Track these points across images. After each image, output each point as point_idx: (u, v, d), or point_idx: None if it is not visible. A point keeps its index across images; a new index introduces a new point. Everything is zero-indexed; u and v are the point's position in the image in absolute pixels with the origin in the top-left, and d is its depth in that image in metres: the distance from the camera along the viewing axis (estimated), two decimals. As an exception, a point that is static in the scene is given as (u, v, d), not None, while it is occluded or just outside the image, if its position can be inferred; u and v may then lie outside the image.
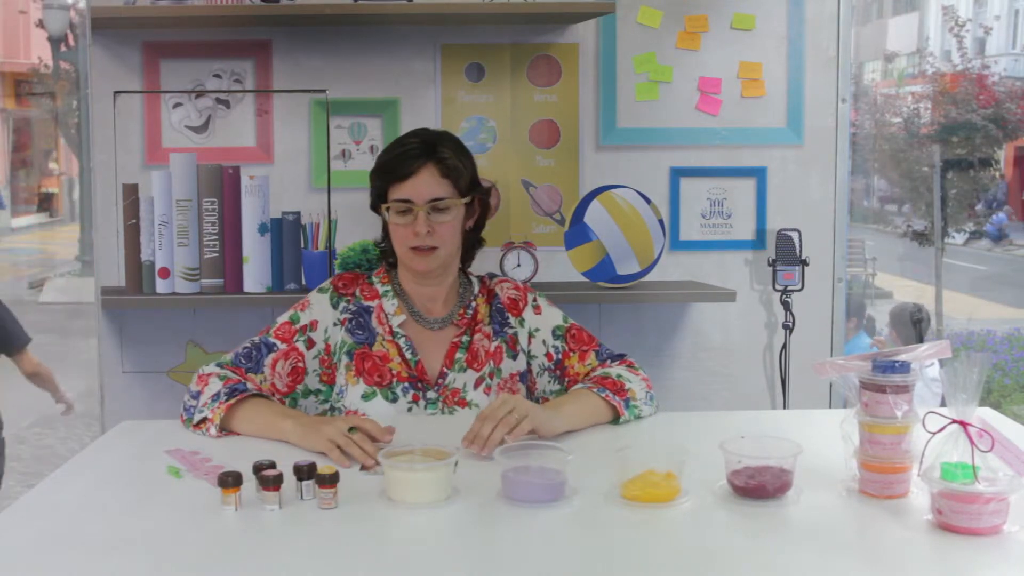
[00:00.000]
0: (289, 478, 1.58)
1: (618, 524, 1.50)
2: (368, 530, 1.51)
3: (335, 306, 2.16)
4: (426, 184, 2.07)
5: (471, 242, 2.22)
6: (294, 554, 1.41)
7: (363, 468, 1.74)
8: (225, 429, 1.95)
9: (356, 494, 1.60)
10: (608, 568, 1.36)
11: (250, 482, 1.57)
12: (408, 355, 2.12)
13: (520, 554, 1.42)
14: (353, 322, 2.15)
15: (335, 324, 2.15)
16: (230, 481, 1.55)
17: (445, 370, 2.13)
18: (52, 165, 19.55)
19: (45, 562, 1.39)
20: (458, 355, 2.14)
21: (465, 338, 2.16)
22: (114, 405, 2.82)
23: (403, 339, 2.13)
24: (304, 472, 1.58)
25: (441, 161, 2.08)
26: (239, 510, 1.54)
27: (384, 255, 2.24)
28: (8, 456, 3.88)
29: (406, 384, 2.10)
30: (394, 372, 2.11)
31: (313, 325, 2.14)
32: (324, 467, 1.58)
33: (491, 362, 2.15)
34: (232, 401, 1.95)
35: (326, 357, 2.14)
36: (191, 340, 2.84)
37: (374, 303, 2.17)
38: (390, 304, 2.16)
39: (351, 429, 1.81)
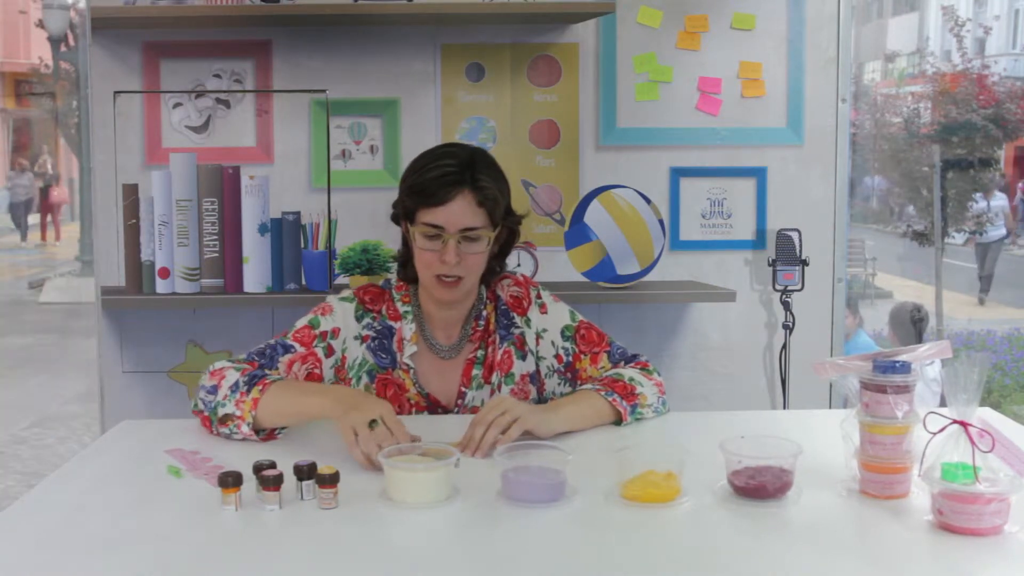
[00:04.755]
0: (289, 478, 1.57)
1: (618, 524, 1.50)
2: (368, 530, 1.51)
3: (359, 319, 2.08)
4: (460, 212, 1.95)
5: (492, 266, 2.10)
6: (294, 554, 1.41)
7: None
8: (261, 431, 1.86)
9: (356, 494, 1.59)
10: (608, 568, 1.36)
11: (250, 482, 1.57)
12: (420, 387, 2.08)
13: (520, 554, 1.42)
14: (376, 342, 2.08)
15: (356, 338, 2.07)
16: (230, 481, 1.54)
17: (463, 389, 2.09)
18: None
19: (45, 562, 1.39)
20: (475, 371, 2.10)
21: (480, 352, 2.11)
22: (114, 405, 2.82)
23: (413, 371, 2.08)
24: (304, 472, 1.58)
25: (479, 188, 1.95)
26: (239, 510, 1.54)
27: (403, 267, 2.11)
28: (8, 456, 3.89)
29: (425, 414, 2.07)
30: (412, 402, 2.08)
31: (335, 332, 2.05)
32: (324, 467, 1.57)
33: (499, 371, 2.11)
34: (257, 396, 1.84)
35: (341, 368, 2.07)
36: (191, 340, 2.84)
37: (397, 324, 2.09)
38: (408, 329, 2.08)
39: (372, 422, 1.73)
